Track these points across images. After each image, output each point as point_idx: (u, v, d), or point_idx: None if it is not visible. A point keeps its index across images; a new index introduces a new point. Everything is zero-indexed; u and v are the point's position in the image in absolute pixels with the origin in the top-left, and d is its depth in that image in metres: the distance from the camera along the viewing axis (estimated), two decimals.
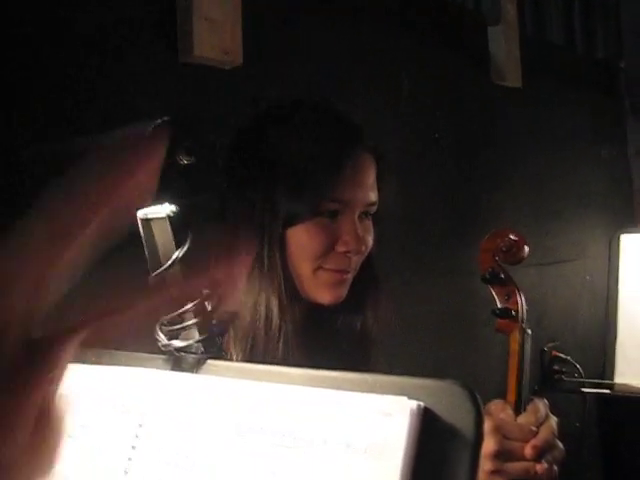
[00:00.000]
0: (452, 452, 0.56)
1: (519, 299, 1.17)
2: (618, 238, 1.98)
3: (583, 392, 2.04)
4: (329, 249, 1.08)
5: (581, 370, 2.14)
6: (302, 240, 1.08)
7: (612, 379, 1.91)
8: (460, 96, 2.14)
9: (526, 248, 1.18)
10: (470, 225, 2.13)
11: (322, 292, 1.09)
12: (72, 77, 1.21)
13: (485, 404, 1.13)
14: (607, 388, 1.92)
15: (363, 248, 1.10)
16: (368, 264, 1.17)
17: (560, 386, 2.20)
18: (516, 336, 1.16)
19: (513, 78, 2.24)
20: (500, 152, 2.27)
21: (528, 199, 2.36)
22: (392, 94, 1.90)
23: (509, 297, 1.17)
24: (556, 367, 2.25)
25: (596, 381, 1.98)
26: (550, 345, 2.29)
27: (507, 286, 1.18)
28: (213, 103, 1.40)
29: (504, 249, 1.17)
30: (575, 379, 2.12)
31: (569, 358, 2.22)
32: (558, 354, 2.26)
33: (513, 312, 1.16)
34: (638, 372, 1.86)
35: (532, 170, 2.39)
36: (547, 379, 2.24)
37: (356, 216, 1.11)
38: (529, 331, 1.17)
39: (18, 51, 1.14)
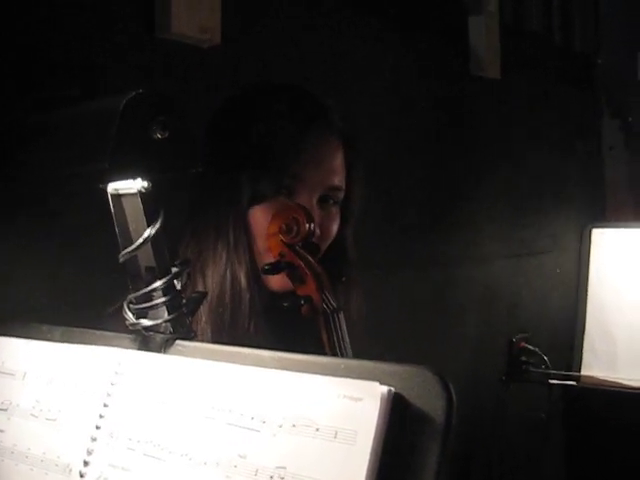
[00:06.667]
0: (422, 438, 0.56)
1: (313, 281, 1.02)
2: (590, 232, 1.99)
3: (549, 383, 2.06)
4: None
5: (548, 362, 2.16)
6: (259, 219, 1.07)
7: (579, 371, 1.93)
8: (438, 86, 2.13)
9: (307, 222, 1.02)
10: (445, 218, 2.13)
11: (269, 277, 1.08)
12: (48, 50, 1.18)
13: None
14: (573, 380, 1.94)
15: (317, 231, 1.07)
16: (340, 254, 1.16)
17: (527, 377, 2.23)
18: (320, 322, 1.02)
19: (492, 69, 2.24)
20: (476, 144, 2.27)
21: (503, 191, 2.37)
22: (370, 82, 1.89)
23: (302, 282, 1.03)
24: (523, 358, 2.27)
25: (562, 372, 2.00)
26: (519, 336, 2.31)
27: (297, 270, 1.03)
28: (189, 81, 1.38)
29: (286, 230, 1.03)
30: (542, 370, 2.14)
31: (537, 350, 2.24)
32: (526, 345, 2.28)
33: (302, 301, 1.03)
34: (604, 364, 1.89)
35: (508, 163, 2.40)
36: (514, 370, 2.26)
37: (315, 199, 1.09)
38: (332, 307, 1.03)
39: None
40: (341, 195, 1.13)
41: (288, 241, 1.03)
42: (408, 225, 1.99)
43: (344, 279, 1.12)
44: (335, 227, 1.13)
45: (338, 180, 1.11)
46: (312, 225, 1.02)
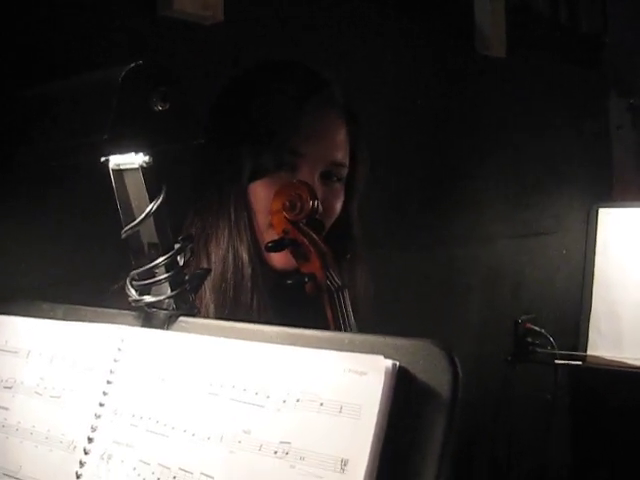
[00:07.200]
0: (428, 412, 0.55)
1: (317, 258, 1.02)
2: (596, 212, 1.98)
3: (555, 364, 2.06)
4: None
5: (554, 342, 2.16)
6: (260, 194, 1.06)
7: (585, 351, 1.93)
8: (443, 65, 2.11)
9: (310, 199, 1.01)
10: (448, 198, 2.12)
11: (272, 256, 1.07)
12: (51, 25, 1.17)
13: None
14: (579, 360, 1.93)
15: (320, 208, 1.05)
16: (345, 231, 1.15)
17: (532, 357, 2.22)
18: (324, 299, 1.02)
19: (497, 48, 2.21)
20: (481, 123, 2.25)
21: (508, 171, 2.36)
22: (374, 61, 1.87)
23: (306, 259, 1.03)
24: (529, 339, 2.27)
25: (568, 353, 2.00)
26: (524, 317, 2.30)
27: (300, 247, 1.03)
28: (191, 58, 1.36)
29: (289, 207, 1.02)
30: (547, 350, 2.14)
31: (542, 330, 2.23)
32: (532, 326, 2.27)
33: (306, 279, 1.02)
34: (610, 344, 1.88)
35: (512, 142, 2.38)
36: (520, 350, 2.26)
37: (316, 174, 1.07)
38: (337, 285, 1.02)
39: None
40: (344, 172, 1.12)
41: (292, 218, 1.02)
42: (411, 205, 1.98)
43: (349, 256, 1.12)
44: (339, 204, 1.12)
45: (341, 156, 1.10)
46: (316, 202, 1.02)
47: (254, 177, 1.06)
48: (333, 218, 1.12)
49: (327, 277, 1.01)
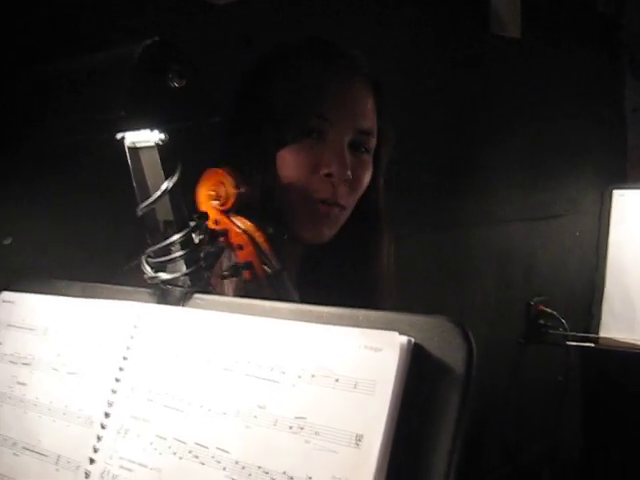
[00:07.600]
0: (442, 388, 0.56)
1: (250, 245, 0.98)
2: (610, 193, 1.97)
3: (567, 345, 2.06)
4: (313, 171, 1.05)
5: (566, 324, 2.16)
6: (288, 163, 1.04)
7: (597, 333, 1.92)
8: (458, 46, 2.09)
9: (234, 186, 0.96)
10: (462, 180, 2.11)
11: (305, 226, 1.06)
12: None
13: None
14: (591, 342, 1.93)
15: (348, 173, 1.05)
16: (372, 205, 1.14)
17: (545, 339, 2.22)
18: (264, 285, 0.98)
19: (513, 29, 2.19)
20: (496, 104, 2.24)
21: (522, 153, 2.34)
22: (389, 41, 1.86)
23: (240, 247, 0.98)
24: (541, 321, 2.27)
25: (581, 334, 1.99)
26: (536, 299, 2.30)
27: (234, 236, 0.98)
28: (205, 38, 1.36)
29: (214, 196, 0.97)
30: (559, 332, 2.14)
31: (555, 312, 2.23)
32: (544, 309, 2.27)
33: (243, 267, 0.98)
34: (623, 326, 1.88)
35: (527, 124, 2.36)
36: (532, 332, 2.26)
37: (345, 142, 1.06)
38: (273, 269, 0.97)
39: None
40: (373, 143, 1.10)
41: (219, 207, 0.98)
42: (424, 187, 1.97)
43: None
44: (367, 177, 1.10)
45: (369, 124, 1.08)
46: (242, 188, 0.97)
47: (282, 145, 1.05)
48: (361, 191, 1.10)
49: (264, 262, 0.98)
